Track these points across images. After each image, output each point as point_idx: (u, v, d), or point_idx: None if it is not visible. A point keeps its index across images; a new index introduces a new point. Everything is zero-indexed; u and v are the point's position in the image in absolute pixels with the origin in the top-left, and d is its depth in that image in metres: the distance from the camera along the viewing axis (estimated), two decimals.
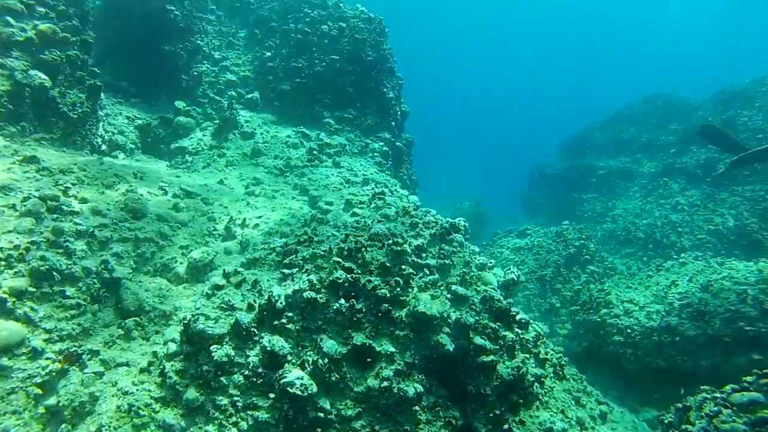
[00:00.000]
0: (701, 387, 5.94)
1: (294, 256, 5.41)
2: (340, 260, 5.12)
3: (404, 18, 63.48)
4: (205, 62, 11.71)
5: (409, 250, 5.35)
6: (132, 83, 11.05)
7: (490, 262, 6.33)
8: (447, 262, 5.63)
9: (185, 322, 4.86)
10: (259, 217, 7.25)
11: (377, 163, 10.43)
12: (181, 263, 6.28)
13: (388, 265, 5.14)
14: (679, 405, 5.76)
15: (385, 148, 11.03)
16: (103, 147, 9.26)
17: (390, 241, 5.32)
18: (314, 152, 9.70)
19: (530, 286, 12.10)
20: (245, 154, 9.65)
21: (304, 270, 5.17)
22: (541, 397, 5.42)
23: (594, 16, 77.63)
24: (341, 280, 4.89)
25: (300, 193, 8.38)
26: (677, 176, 15.78)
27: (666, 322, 9.07)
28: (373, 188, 8.37)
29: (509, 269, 6.31)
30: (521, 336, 5.53)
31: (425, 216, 6.34)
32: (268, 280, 5.31)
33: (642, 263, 13.37)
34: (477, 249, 6.67)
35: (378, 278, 5.03)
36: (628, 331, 9.34)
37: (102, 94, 9.57)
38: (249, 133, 10.23)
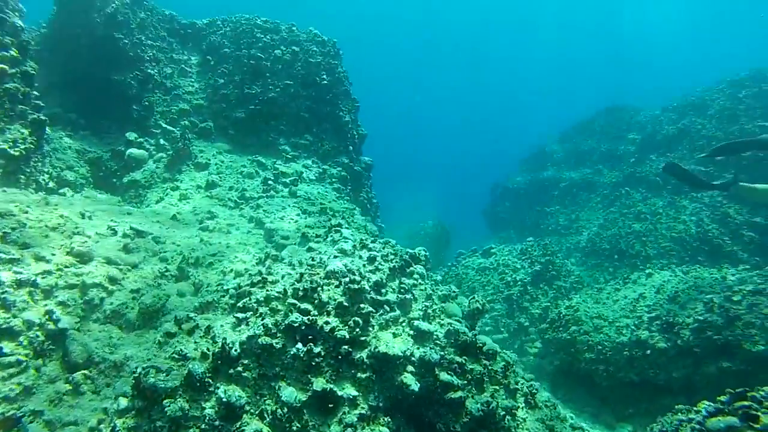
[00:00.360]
0: (676, 406, 5.91)
1: (248, 298, 5.19)
2: (296, 302, 4.92)
3: (357, 37, 63.56)
4: (157, 91, 11.42)
5: (367, 287, 5.19)
6: (81, 115, 10.71)
7: (454, 292, 6.20)
8: (408, 296, 5.47)
9: (135, 375, 4.60)
10: (213, 254, 7.00)
11: (336, 189, 10.25)
12: (132, 309, 6.00)
13: (346, 304, 4.96)
14: (656, 429, 5.70)
15: (343, 173, 10.87)
16: (50, 184, 8.91)
17: (347, 279, 5.14)
18: (269, 182, 9.49)
19: (497, 306, 12.03)
20: (199, 187, 9.40)
21: (258, 314, 4.96)
22: (513, 430, 5.28)
23: (552, 28, 78.78)
24: (297, 324, 4.69)
25: (255, 227, 8.14)
26: (638, 185, 16.00)
27: (636, 336, 9.10)
28: (329, 219, 8.18)
29: (473, 298, 6.19)
30: (489, 367, 5.39)
31: (383, 248, 6.18)
32: (222, 326, 5.08)
33: (608, 274, 13.44)
34: (439, 278, 6.56)
35: (336, 319, 4.84)
36: (599, 347, 9.34)
37: (48, 128, 9.23)
38: (203, 164, 9.98)
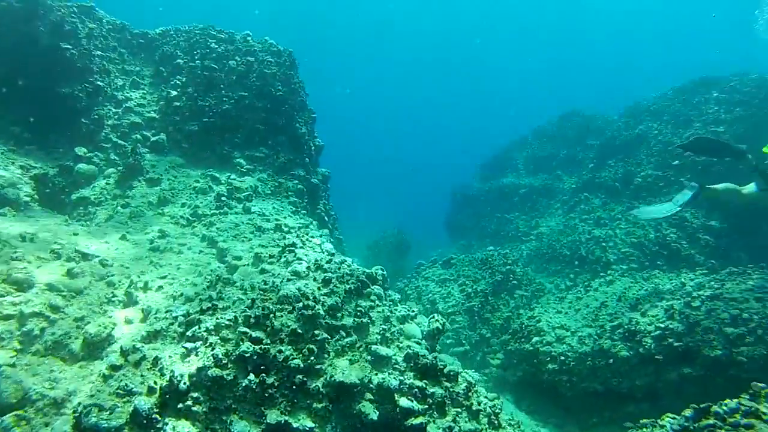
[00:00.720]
0: (641, 421, 5.88)
1: (197, 327, 4.96)
2: (248, 330, 4.71)
3: (311, 46, 63.14)
4: (107, 104, 11.01)
5: (322, 312, 5.00)
6: (26, 129, 10.22)
7: (412, 311, 6.06)
8: (365, 320, 5.30)
9: (76, 415, 4.34)
10: (163, 277, 6.71)
11: (292, 203, 10.01)
12: (76, 338, 5.67)
13: (299, 331, 4.77)
14: None
15: (299, 186, 10.62)
16: None
17: (300, 304, 4.95)
18: (223, 198, 9.19)
19: (458, 318, 11.92)
20: (151, 203, 9.05)
21: (208, 344, 4.73)
22: None
23: (512, 34, 79.45)
24: (249, 354, 4.48)
25: (208, 246, 7.84)
26: (597, 191, 16.13)
27: (599, 345, 9.14)
28: (283, 237, 7.95)
29: (433, 317, 6.06)
30: (451, 390, 5.24)
31: (339, 268, 6.00)
32: (170, 356, 4.83)
33: (569, 280, 13.48)
34: (398, 297, 6.40)
35: (289, 347, 4.65)
36: (562, 358, 9.34)
37: None
38: (155, 180, 9.63)
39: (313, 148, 12.12)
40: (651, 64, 74.15)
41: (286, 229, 8.45)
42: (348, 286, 5.64)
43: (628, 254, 12.88)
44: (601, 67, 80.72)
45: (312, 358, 4.63)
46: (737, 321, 8.29)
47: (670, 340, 8.54)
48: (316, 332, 4.83)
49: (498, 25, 77.70)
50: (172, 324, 5.34)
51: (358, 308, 5.42)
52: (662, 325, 8.75)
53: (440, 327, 5.97)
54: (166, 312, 5.67)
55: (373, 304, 5.71)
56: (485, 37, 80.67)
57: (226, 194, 9.36)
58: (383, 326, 5.42)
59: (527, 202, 18.48)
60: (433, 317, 6.09)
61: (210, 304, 5.23)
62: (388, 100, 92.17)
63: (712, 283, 9.63)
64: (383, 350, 5.01)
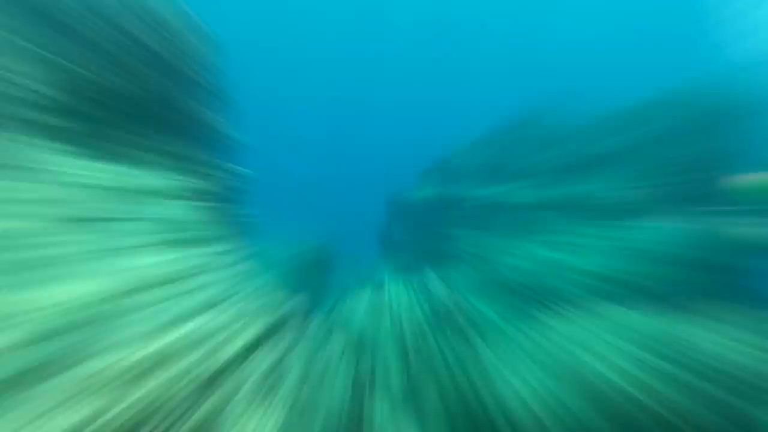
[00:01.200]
0: None
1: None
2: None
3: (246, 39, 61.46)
4: None
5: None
6: None
7: None
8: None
9: None
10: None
11: (202, 208, 8.66)
12: None
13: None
14: None
15: (213, 188, 9.34)
16: None
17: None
18: (122, 198, 7.70)
19: (389, 353, 10.77)
20: (26, 201, 7.45)
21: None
22: None
23: (458, 26, 78.88)
24: None
25: (97, 258, 6.35)
26: (553, 209, 15.29)
27: (557, 400, 8.23)
28: (185, 255, 6.56)
29: None
30: None
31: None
32: None
33: (518, 311, 12.52)
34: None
35: None
36: (511, 411, 8.37)
37: None
38: (34, 170, 8.03)
39: (233, 145, 10.83)
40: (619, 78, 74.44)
41: (191, 241, 7.08)
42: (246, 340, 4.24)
43: (587, 285, 12.03)
44: (564, 74, 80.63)
45: None
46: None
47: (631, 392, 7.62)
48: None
49: (440, 14, 77.07)
50: None
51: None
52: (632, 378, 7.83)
53: None
54: None
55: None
56: (435, 30, 79.99)
57: (127, 193, 7.86)
58: None
59: (473, 218, 17.41)
60: None
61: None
62: (317, 98, 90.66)
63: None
64: None
